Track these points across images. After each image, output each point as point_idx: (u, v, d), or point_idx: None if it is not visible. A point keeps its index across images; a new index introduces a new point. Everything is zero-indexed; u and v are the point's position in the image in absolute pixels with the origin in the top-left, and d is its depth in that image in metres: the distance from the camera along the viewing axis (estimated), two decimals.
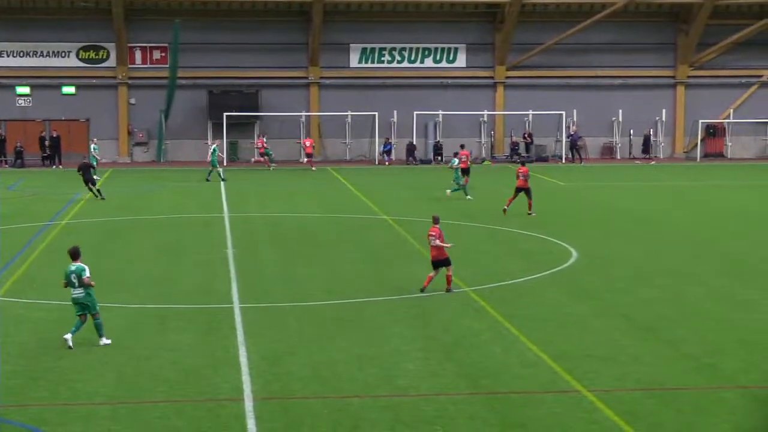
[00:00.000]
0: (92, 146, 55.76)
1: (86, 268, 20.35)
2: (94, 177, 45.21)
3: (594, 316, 23.01)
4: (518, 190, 38.81)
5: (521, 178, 38.73)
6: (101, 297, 24.55)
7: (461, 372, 18.68)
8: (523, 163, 40.83)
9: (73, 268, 20.34)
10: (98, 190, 44.55)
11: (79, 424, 15.91)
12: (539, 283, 26.59)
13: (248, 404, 16.77)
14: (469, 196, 43.80)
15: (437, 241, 25.10)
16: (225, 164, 61.25)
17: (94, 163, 49.54)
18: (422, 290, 25.24)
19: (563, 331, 21.59)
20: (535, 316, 22.97)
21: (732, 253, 31.50)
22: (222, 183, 50.69)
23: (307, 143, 61.09)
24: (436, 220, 25.78)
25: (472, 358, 19.53)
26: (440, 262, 25.30)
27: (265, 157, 58.65)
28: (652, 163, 63.55)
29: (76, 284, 20.25)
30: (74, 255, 20.56)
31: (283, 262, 29.89)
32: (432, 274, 25.37)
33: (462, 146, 50.27)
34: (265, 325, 22.01)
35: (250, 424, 15.91)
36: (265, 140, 59.93)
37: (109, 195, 46.05)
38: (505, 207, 38.91)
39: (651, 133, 65.67)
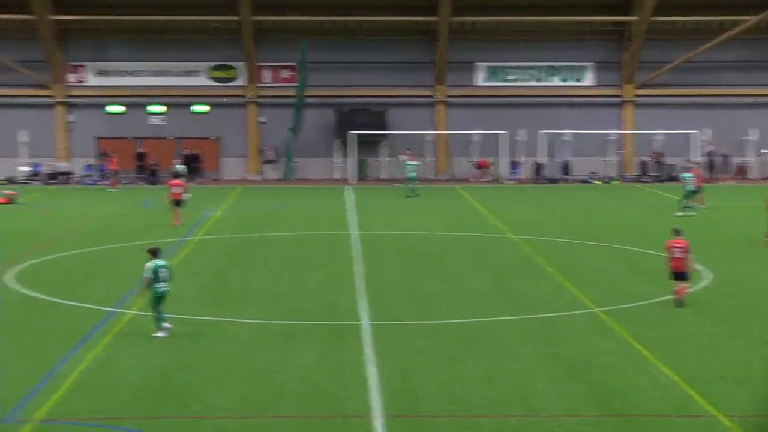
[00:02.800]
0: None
1: None
2: None
3: (728, 338, 22.47)
4: None
5: None
6: (229, 312, 24.99)
7: (591, 393, 18.39)
8: None
9: (162, 263, 22.28)
10: None
11: None
12: (669, 303, 25.99)
13: (377, 422, 16.74)
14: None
15: (688, 255, 25.37)
16: (353, 182, 61.72)
17: None
18: (680, 305, 25.23)
19: (696, 353, 21.12)
20: (667, 337, 22.50)
21: None
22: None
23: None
24: (678, 232, 25.99)
25: (602, 379, 19.22)
26: (680, 274, 25.43)
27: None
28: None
29: (163, 278, 22.21)
30: (157, 252, 22.46)
31: (409, 279, 29.88)
32: (677, 287, 25.55)
33: (696, 163, 49.52)
34: (392, 343, 21.99)
35: None
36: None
37: (238, 212, 46.85)
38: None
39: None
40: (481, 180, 63.28)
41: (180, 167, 52.48)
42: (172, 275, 22.60)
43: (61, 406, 17.38)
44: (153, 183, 60.93)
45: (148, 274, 22.13)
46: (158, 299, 22.22)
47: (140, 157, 63.53)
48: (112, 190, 57.36)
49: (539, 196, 55.04)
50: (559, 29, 64.37)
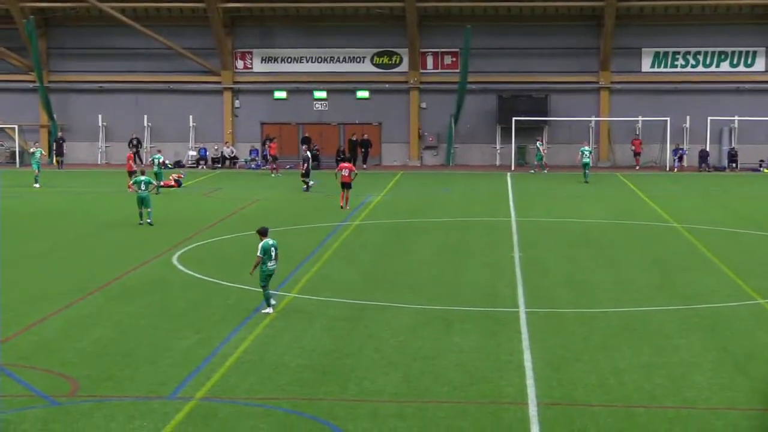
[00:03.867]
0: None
1: None
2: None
3: None
4: None
5: None
6: (388, 296, 25.16)
7: (755, 387, 17.89)
8: None
9: (271, 242, 23.00)
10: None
11: (367, 420, 16.22)
12: None
13: (532, 409, 16.66)
14: None
15: None
16: (513, 168, 61.47)
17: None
18: None
19: None
20: None
21: None
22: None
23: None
24: None
25: (767, 374, 18.68)
26: None
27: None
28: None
29: (273, 257, 22.92)
30: (266, 233, 23.26)
31: (568, 267, 29.60)
32: None
33: None
34: (549, 331, 21.84)
35: (534, 429, 15.80)
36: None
37: (398, 197, 47.07)
38: None
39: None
40: (643, 166, 62.22)
41: (309, 153, 52.66)
42: (276, 253, 23.14)
43: (222, 386, 17.79)
44: (316, 168, 61.59)
45: (260, 253, 22.86)
46: (267, 277, 22.99)
47: (305, 141, 64.40)
48: (275, 175, 58.29)
49: (704, 184, 53.89)
50: (731, 13, 62.69)
